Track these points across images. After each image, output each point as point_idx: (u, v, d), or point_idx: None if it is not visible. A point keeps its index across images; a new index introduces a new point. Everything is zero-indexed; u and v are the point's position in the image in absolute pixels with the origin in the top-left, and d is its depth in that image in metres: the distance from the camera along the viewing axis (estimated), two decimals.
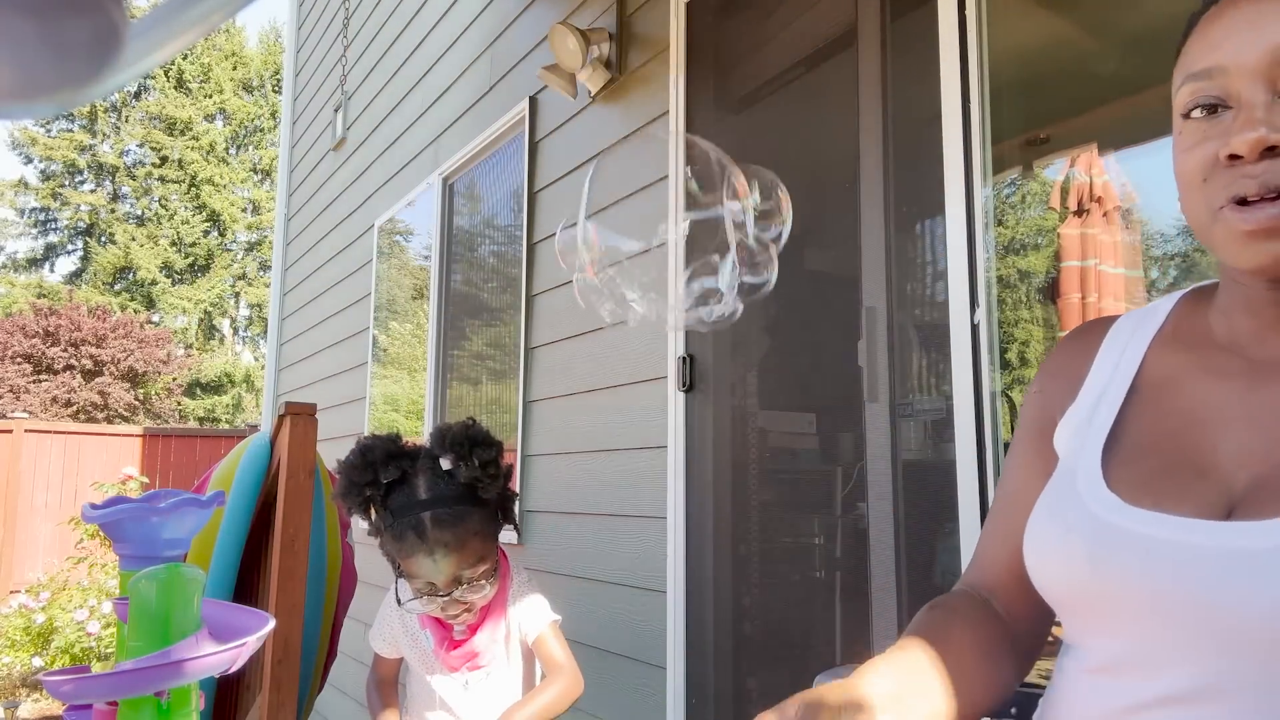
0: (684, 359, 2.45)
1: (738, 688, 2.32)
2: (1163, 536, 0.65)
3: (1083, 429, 0.76)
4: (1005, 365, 1.75)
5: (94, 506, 1.08)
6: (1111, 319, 0.83)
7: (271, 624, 1.02)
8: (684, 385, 2.43)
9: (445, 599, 1.28)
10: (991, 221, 1.78)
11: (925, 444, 1.91)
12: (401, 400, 4.46)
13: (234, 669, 0.98)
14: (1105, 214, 2.02)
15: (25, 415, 10.49)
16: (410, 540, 1.27)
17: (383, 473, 1.30)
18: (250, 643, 0.98)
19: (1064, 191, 2.06)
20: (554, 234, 3.15)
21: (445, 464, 1.32)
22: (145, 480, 6.77)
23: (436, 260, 4.07)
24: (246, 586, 2.86)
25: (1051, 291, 2.07)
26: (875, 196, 1.98)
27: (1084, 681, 0.70)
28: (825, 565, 2.25)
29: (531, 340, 3.21)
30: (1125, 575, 0.65)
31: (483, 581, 1.31)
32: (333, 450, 4.84)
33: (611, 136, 2.85)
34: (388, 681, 1.46)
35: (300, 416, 2.70)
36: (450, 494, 1.31)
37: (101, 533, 6.48)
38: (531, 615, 1.41)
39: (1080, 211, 2.04)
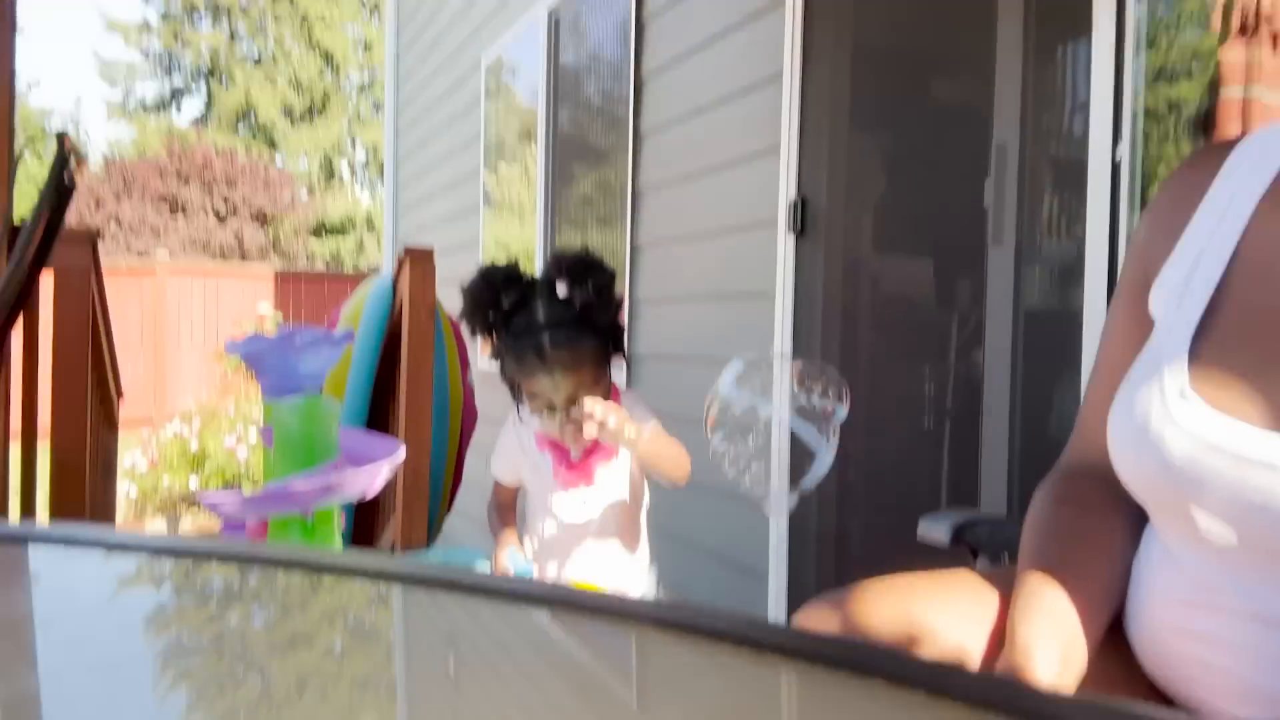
0: (796, 202, 2.38)
1: (840, 529, 2.38)
2: (1248, 455, 0.58)
3: (1175, 299, 0.68)
4: (1146, 207, 1.63)
5: (236, 342, 1.15)
6: (1228, 146, 0.71)
7: (402, 451, 1.09)
8: (795, 229, 2.38)
9: (562, 417, 1.36)
10: (1143, 44, 1.61)
11: (1051, 291, 1.83)
12: (512, 244, 4.52)
13: (371, 494, 1.06)
14: (1275, 35, 1.81)
15: (167, 256, 11.19)
16: (531, 361, 1.36)
17: (504, 296, 1.37)
18: (384, 467, 1.06)
19: (1227, 9, 1.84)
20: (663, 66, 3.04)
21: (561, 290, 1.38)
22: (279, 317, 7.19)
23: (543, 99, 4.01)
24: (377, 422, 3.06)
25: (1205, 124, 1.89)
26: (1013, 17, 1.82)
27: (1169, 573, 0.68)
28: (935, 414, 2.23)
29: (639, 183, 3.17)
30: (1204, 495, 0.60)
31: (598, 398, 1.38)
32: (451, 293, 4.98)
33: None
34: (506, 505, 1.58)
35: (419, 260, 2.78)
36: (567, 317, 1.37)
37: (244, 366, 6.97)
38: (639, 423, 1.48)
39: (1245, 31, 1.83)
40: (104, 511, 3.41)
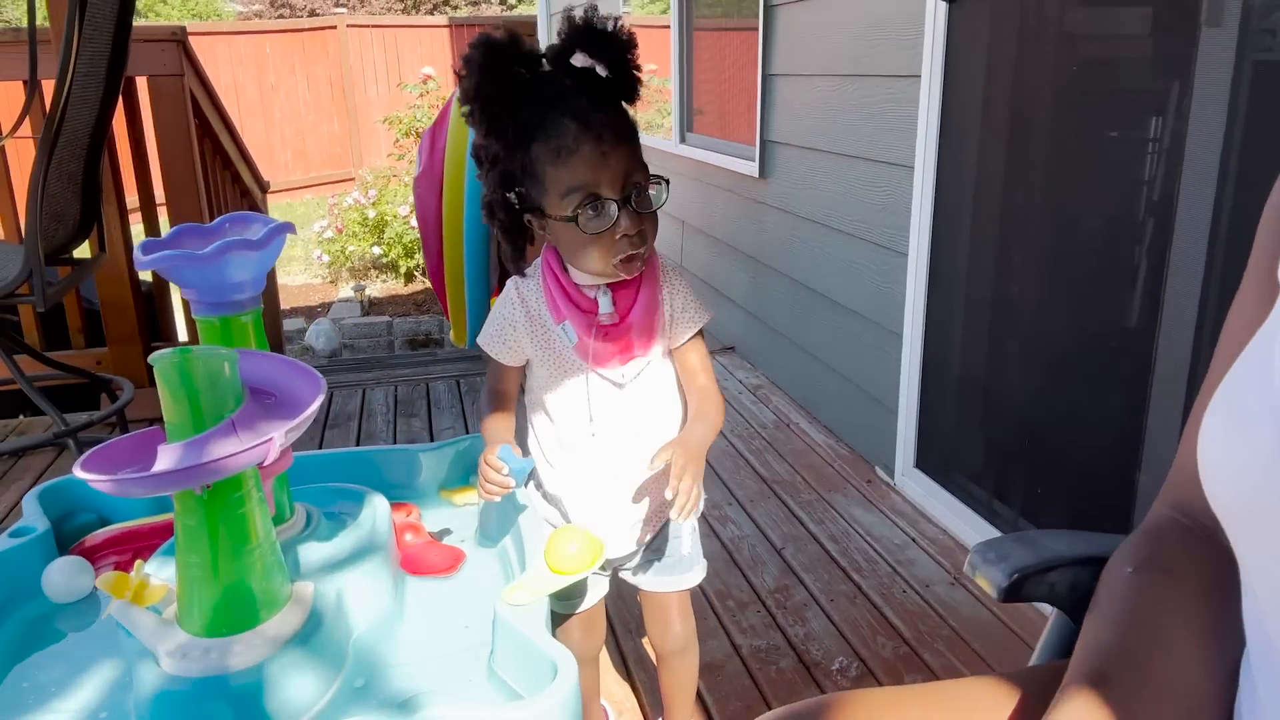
0: None
1: (988, 364, 2.02)
2: None
3: None
4: None
5: (145, 251, 0.98)
6: None
7: (323, 393, 0.90)
8: None
9: (620, 211, 1.03)
10: None
11: None
12: None
13: (268, 460, 0.88)
14: None
15: (344, 10, 11.14)
16: (571, 131, 1.01)
17: (518, 68, 1.03)
18: (299, 422, 0.88)
19: None
20: None
21: (578, 61, 1.04)
22: (440, 79, 7.03)
23: None
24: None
25: None
26: None
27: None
28: (1135, 210, 1.74)
29: None
30: None
31: (656, 191, 1.06)
32: None
33: None
34: (506, 395, 1.25)
35: None
36: (597, 89, 1.05)
37: (416, 131, 6.97)
38: (685, 307, 1.17)
39: None
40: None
